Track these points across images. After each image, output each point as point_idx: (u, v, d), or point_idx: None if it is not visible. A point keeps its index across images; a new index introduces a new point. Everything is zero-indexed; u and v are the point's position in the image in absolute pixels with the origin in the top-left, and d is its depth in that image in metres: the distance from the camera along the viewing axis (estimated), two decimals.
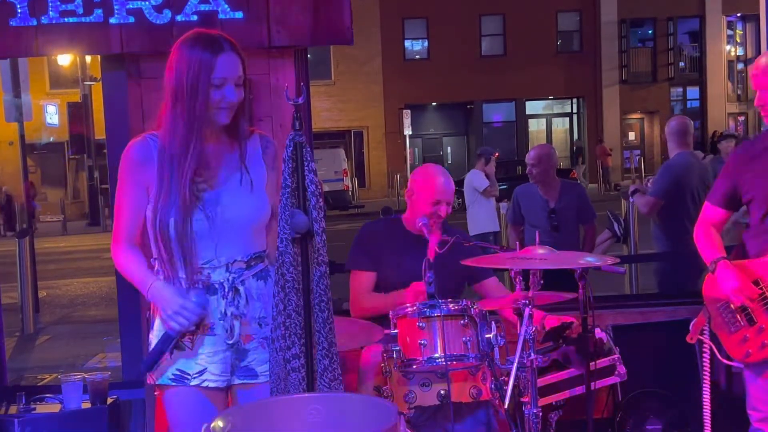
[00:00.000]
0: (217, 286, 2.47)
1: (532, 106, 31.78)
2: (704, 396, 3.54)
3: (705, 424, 3.55)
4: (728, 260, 3.27)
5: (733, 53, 31.74)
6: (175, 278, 2.47)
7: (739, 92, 32.01)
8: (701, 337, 3.41)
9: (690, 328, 3.46)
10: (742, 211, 3.60)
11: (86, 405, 3.84)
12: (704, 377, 3.50)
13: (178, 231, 2.41)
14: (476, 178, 9.17)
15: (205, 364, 2.48)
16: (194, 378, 2.48)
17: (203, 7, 3.86)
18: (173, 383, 2.51)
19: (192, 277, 2.45)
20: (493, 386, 3.12)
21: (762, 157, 3.27)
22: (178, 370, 2.49)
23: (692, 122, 5.81)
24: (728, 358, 3.32)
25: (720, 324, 3.32)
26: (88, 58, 17.18)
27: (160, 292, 2.46)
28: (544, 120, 32.54)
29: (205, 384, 2.48)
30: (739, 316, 3.25)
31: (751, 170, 3.28)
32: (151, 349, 2.49)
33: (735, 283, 3.18)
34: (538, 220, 5.67)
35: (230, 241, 2.48)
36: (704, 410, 3.55)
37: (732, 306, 3.25)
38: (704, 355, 3.46)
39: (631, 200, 5.91)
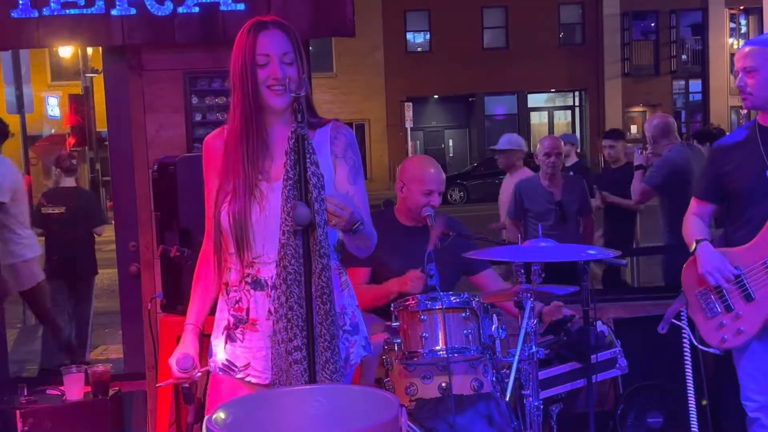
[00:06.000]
0: (265, 281, 2.42)
1: (534, 99, 31.73)
2: (688, 383, 3.56)
3: (690, 412, 3.57)
4: (710, 243, 3.30)
5: (735, 46, 31.61)
6: (228, 269, 2.46)
7: None
8: (679, 323, 3.43)
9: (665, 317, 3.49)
10: None
11: (88, 397, 3.85)
12: (687, 364, 3.52)
13: (233, 222, 2.38)
14: None
15: (249, 359, 2.47)
16: (240, 371, 2.48)
17: None
18: (221, 372, 2.51)
19: (243, 271, 2.43)
20: (494, 379, 3.12)
21: (741, 149, 3.30)
22: (228, 360, 2.49)
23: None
24: (704, 344, 3.34)
25: (697, 310, 3.36)
26: (89, 50, 17.11)
27: (182, 336, 2.54)
28: (546, 113, 32.49)
29: (248, 378, 2.47)
30: (716, 303, 3.28)
31: (731, 163, 3.31)
32: None
33: (714, 263, 3.21)
34: (542, 212, 5.66)
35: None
36: (689, 398, 3.57)
37: (709, 288, 3.27)
38: (684, 342, 3.49)
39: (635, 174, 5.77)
